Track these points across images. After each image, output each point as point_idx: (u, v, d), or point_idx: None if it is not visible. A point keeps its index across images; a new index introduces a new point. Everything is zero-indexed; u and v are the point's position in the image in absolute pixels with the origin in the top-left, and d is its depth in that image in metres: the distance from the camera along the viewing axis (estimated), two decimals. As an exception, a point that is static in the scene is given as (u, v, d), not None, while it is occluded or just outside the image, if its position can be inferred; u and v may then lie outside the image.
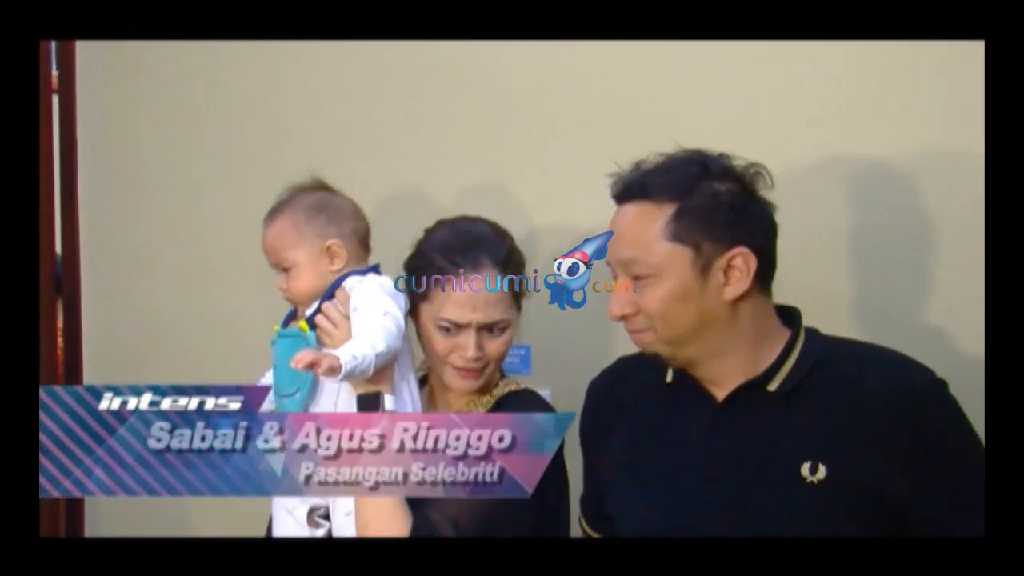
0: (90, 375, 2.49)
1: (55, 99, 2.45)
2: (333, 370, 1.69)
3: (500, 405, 1.91)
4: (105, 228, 2.51)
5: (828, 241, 2.18)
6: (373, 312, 1.81)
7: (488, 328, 1.86)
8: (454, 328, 1.85)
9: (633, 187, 1.69)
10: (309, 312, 1.88)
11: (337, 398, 1.85)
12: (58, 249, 2.47)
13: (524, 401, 1.91)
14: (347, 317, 1.83)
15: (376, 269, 1.92)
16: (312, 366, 1.67)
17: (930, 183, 2.14)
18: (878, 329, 2.09)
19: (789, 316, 1.74)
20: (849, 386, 1.66)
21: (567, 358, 2.28)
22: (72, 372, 2.50)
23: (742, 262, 1.66)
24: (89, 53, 2.47)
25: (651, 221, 1.66)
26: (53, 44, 2.42)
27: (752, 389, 1.68)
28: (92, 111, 2.49)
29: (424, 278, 1.86)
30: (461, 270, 1.84)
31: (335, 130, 2.40)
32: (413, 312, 1.90)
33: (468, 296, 1.85)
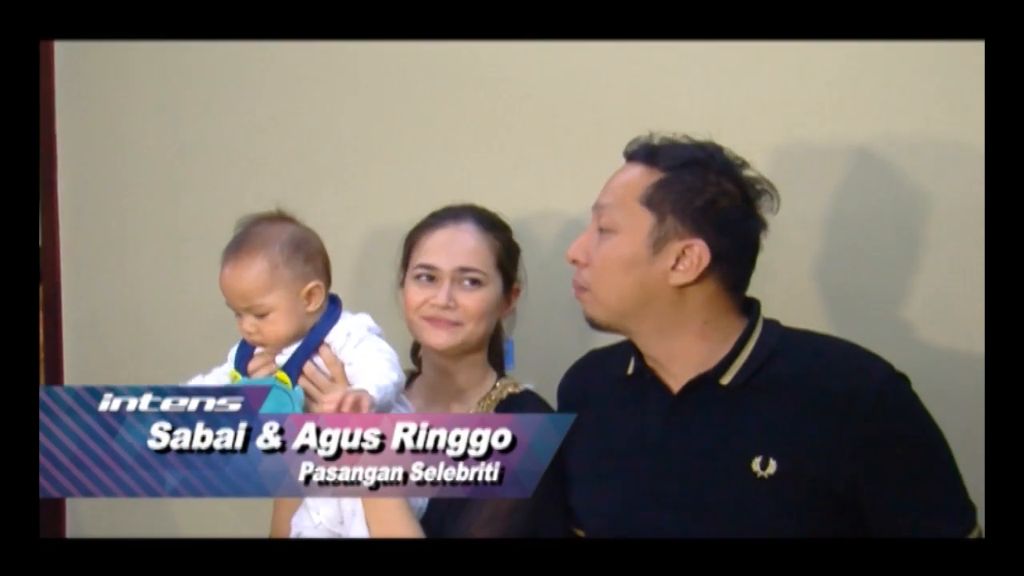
0: (70, 370, 2.50)
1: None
2: (372, 405, 1.64)
3: (504, 410, 1.90)
4: (85, 224, 2.50)
5: (820, 233, 2.18)
6: (369, 352, 1.77)
7: (462, 279, 1.87)
8: (429, 275, 1.88)
9: (644, 150, 1.71)
10: (283, 360, 1.80)
11: None
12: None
13: (525, 404, 1.91)
14: (333, 379, 1.78)
15: (336, 302, 1.85)
16: (356, 405, 1.61)
17: (924, 176, 2.14)
18: (868, 322, 2.09)
19: (748, 307, 1.74)
20: (801, 380, 1.65)
21: (550, 353, 2.27)
22: (53, 367, 2.50)
23: (695, 254, 1.65)
24: (68, 48, 2.46)
25: (636, 181, 1.68)
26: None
27: (705, 382, 1.68)
28: (71, 107, 2.48)
29: (411, 238, 1.93)
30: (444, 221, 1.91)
31: (317, 125, 2.39)
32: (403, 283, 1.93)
33: (443, 242, 1.89)
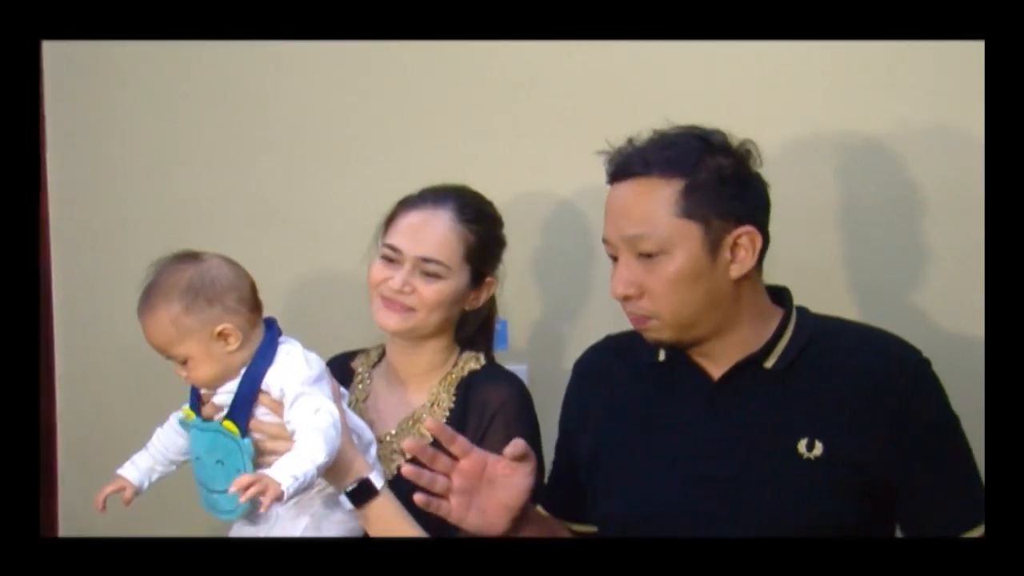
0: (62, 364, 2.49)
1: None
2: (278, 499, 1.60)
3: (466, 387, 1.89)
4: (75, 217, 2.48)
5: (820, 218, 2.19)
6: (303, 417, 1.71)
7: (424, 269, 1.84)
8: (394, 256, 1.86)
9: (634, 163, 1.66)
10: (219, 400, 1.77)
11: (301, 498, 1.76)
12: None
13: (489, 378, 1.90)
14: (282, 424, 1.74)
15: (272, 326, 1.81)
16: (259, 495, 1.59)
17: (923, 173, 2.16)
18: (870, 306, 2.10)
19: (779, 295, 1.75)
20: (842, 364, 1.67)
21: (544, 334, 2.28)
22: (44, 359, 2.48)
23: (748, 240, 1.65)
24: (56, 45, 2.40)
25: (659, 197, 1.64)
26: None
27: (749, 366, 1.69)
28: (60, 104, 2.45)
29: (392, 212, 1.91)
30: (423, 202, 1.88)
31: (310, 120, 2.39)
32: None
33: (414, 226, 1.86)
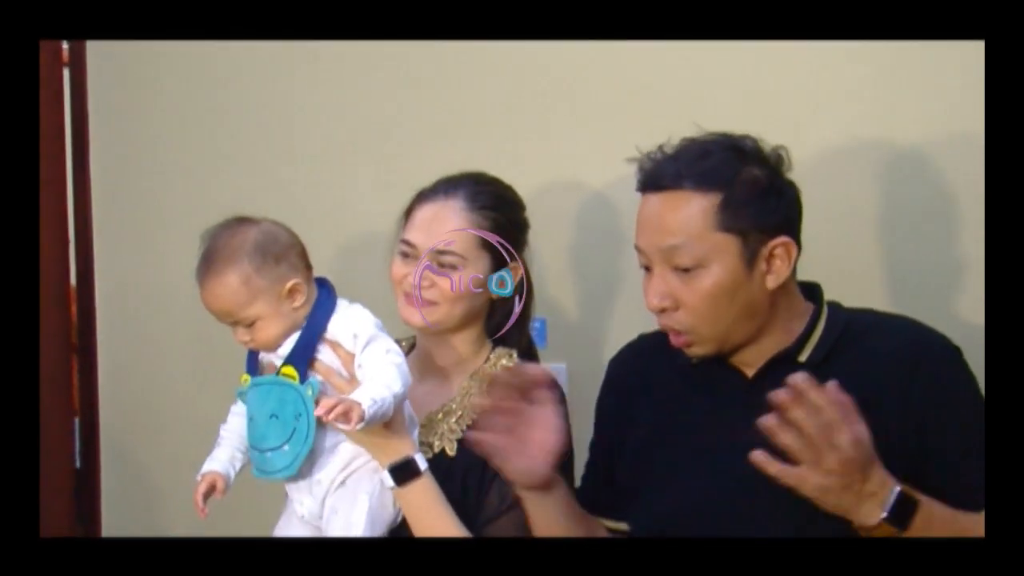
0: (104, 352, 2.50)
1: (66, 73, 2.45)
2: (361, 419, 1.62)
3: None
4: (118, 206, 2.50)
5: (851, 222, 2.19)
6: (377, 355, 1.74)
7: (440, 261, 1.84)
8: (410, 252, 1.86)
9: (667, 175, 1.66)
10: (284, 352, 1.77)
11: (351, 461, 1.77)
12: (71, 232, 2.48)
13: None
14: (353, 377, 1.75)
15: (327, 285, 1.82)
16: (345, 416, 1.61)
17: (958, 164, 2.15)
18: (905, 311, 2.10)
19: (810, 290, 1.75)
20: (876, 354, 1.67)
21: (583, 332, 2.27)
22: (86, 348, 2.51)
23: (784, 251, 1.66)
24: (100, 44, 2.46)
25: (695, 210, 1.64)
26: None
27: (783, 361, 1.69)
28: (103, 102, 2.49)
29: (410, 206, 1.91)
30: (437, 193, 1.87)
31: (346, 111, 2.40)
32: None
33: (427, 218, 1.86)
